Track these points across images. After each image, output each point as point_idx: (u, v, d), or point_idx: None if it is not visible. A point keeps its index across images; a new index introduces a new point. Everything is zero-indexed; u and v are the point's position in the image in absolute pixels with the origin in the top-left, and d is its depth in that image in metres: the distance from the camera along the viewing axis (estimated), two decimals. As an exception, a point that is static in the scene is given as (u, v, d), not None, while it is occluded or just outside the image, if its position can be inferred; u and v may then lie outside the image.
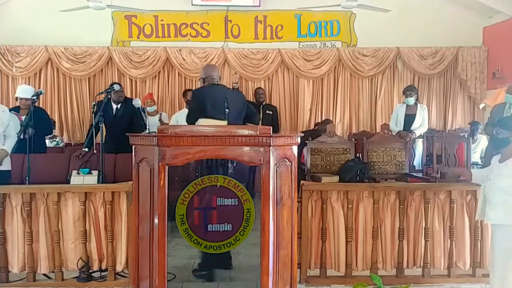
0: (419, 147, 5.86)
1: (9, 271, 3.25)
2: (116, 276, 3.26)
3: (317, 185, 3.66)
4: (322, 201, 3.26)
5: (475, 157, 5.86)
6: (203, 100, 3.46)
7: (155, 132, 2.50)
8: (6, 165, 4.04)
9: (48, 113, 5.50)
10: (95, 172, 4.30)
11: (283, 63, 7.02)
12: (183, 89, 6.70)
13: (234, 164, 2.88)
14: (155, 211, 2.44)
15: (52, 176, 4.35)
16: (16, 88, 5.38)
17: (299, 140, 2.62)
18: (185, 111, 5.87)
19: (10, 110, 4.94)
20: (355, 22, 7.11)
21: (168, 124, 5.87)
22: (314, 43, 7.14)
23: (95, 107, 4.34)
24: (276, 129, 6.35)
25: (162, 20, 6.99)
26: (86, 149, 4.49)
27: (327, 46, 7.13)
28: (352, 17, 7.10)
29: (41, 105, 6.21)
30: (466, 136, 5.74)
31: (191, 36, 7.02)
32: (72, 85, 6.86)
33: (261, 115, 6.36)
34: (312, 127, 6.81)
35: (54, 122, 6.36)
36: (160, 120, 6.09)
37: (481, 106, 7.00)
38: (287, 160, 2.54)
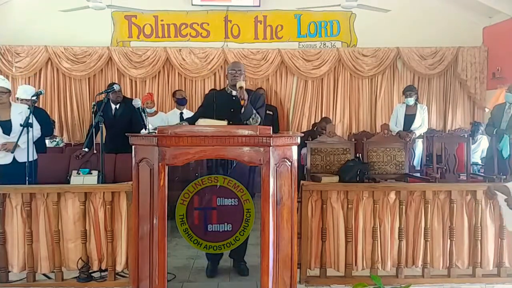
0: (419, 147, 5.87)
1: (9, 271, 3.24)
2: (116, 276, 3.26)
3: (317, 185, 3.65)
4: (322, 201, 3.25)
5: (476, 157, 5.86)
6: None
7: (155, 132, 2.50)
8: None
9: (48, 113, 5.50)
10: (95, 172, 4.30)
11: (283, 63, 7.01)
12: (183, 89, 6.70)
13: (234, 164, 2.88)
14: (155, 211, 2.44)
15: (52, 176, 4.36)
16: (16, 88, 5.37)
17: (299, 140, 2.62)
18: (175, 111, 5.89)
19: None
20: (355, 22, 7.11)
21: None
22: (314, 43, 7.14)
23: (95, 107, 4.34)
24: (276, 129, 6.35)
25: (162, 20, 6.99)
26: (86, 149, 4.50)
27: (327, 46, 7.13)
28: (352, 17, 7.10)
29: (41, 105, 6.21)
30: (466, 136, 5.74)
31: (191, 36, 7.02)
32: (72, 85, 6.86)
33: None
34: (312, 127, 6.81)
35: (54, 122, 6.36)
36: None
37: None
38: (287, 160, 2.54)
